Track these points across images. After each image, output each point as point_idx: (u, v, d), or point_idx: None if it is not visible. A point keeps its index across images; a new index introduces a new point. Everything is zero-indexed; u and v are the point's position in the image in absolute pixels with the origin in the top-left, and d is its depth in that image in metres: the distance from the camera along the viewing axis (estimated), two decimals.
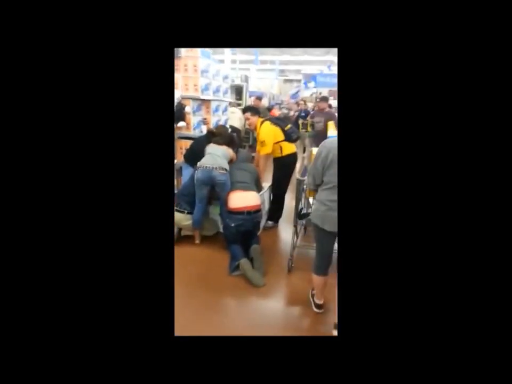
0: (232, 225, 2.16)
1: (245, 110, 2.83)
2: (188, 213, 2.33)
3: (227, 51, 9.18)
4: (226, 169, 2.24)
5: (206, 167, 2.21)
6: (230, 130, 3.13)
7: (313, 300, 1.81)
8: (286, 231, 2.91)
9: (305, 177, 2.05)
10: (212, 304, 1.81)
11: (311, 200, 2.13)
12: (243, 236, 2.24)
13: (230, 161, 2.46)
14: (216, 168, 2.20)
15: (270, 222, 2.93)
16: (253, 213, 2.20)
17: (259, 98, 5.32)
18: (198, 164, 2.28)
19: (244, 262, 2.04)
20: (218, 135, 2.52)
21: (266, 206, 2.85)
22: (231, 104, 4.21)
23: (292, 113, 7.01)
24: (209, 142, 2.47)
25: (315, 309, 1.79)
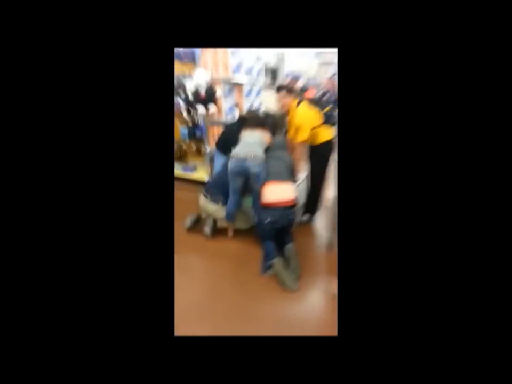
0: (267, 221, 1.95)
1: (278, 89, 2.51)
2: (222, 204, 2.19)
3: None
4: (262, 159, 2.01)
5: (240, 156, 2.01)
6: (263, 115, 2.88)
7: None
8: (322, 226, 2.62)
9: None
10: (239, 306, 1.65)
11: None
12: (277, 233, 2.03)
13: (267, 148, 2.23)
14: (250, 158, 1.98)
15: (305, 216, 2.66)
16: (289, 208, 1.97)
17: (295, 78, 4.91)
18: (232, 153, 2.09)
19: (277, 261, 1.84)
20: (250, 119, 2.30)
21: (302, 199, 2.58)
22: (265, 87, 3.93)
23: (328, 94, 6.48)
24: (241, 128, 2.26)
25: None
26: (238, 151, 2.05)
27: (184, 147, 3.33)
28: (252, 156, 1.98)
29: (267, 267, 1.89)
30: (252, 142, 2.08)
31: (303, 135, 2.29)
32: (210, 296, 1.73)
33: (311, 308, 1.69)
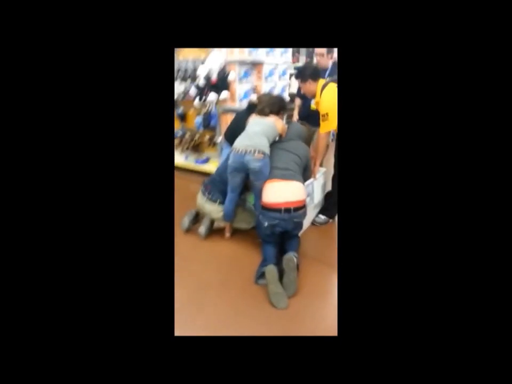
0: (266, 224, 1.67)
1: (297, 75, 2.05)
2: (220, 203, 1.94)
3: None
4: (264, 153, 1.70)
5: (239, 150, 1.72)
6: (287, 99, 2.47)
7: None
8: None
9: None
10: (224, 321, 1.40)
11: None
12: (279, 237, 1.75)
13: (280, 137, 1.89)
14: (250, 151, 1.68)
15: (322, 217, 2.28)
16: (293, 211, 1.65)
17: (328, 52, 3.91)
18: (233, 145, 1.80)
19: (270, 269, 1.53)
20: (261, 104, 1.92)
21: (317, 198, 2.20)
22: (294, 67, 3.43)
23: None
24: (249, 115, 1.93)
25: None
26: (238, 143, 1.75)
27: (197, 137, 3.09)
28: (253, 148, 1.67)
29: (259, 275, 1.61)
30: (257, 131, 1.75)
31: (330, 124, 1.89)
32: (195, 301, 1.51)
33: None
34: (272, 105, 1.89)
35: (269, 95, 2.03)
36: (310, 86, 1.98)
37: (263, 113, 1.86)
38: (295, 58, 4.51)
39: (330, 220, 2.29)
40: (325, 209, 2.29)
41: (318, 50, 2.21)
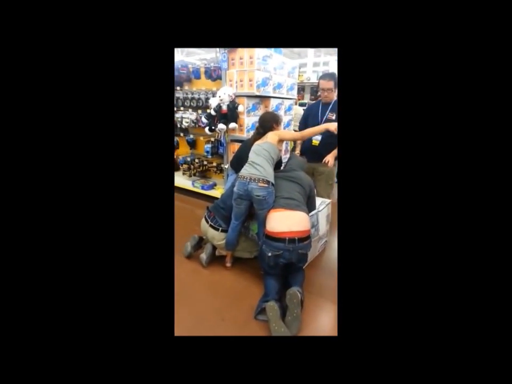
0: (269, 254, 1.62)
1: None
2: (223, 231, 1.94)
3: (310, 52, 8.60)
4: (269, 181, 1.72)
5: (244, 177, 1.76)
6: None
7: None
8: None
9: None
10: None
11: None
12: (283, 269, 1.70)
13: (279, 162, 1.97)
14: (254, 179, 1.71)
15: None
16: (298, 242, 1.60)
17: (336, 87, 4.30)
18: (239, 173, 1.86)
19: (271, 306, 1.45)
20: (260, 126, 1.99)
21: (322, 229, 2.21)
22: (297, 103, 3.69)
23: None
24: (253, 142, 2.01)
25: None
26: (243, 171, 1.81)
27: (206, 163, 3.23)
28: (257, 177, 1.72)
29: (259, 310, 1.54)
30: (259, 160, 1.80)
31: None
32: (186, 331, 1.44)
33: None
34: (265, 122, 1.98)
35: (269, 115, 2.07)
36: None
37: (259, 134, 1.96)
38: (301, 95, 4.84)
39: None
40: None
41: (325, 85, 2.31)
